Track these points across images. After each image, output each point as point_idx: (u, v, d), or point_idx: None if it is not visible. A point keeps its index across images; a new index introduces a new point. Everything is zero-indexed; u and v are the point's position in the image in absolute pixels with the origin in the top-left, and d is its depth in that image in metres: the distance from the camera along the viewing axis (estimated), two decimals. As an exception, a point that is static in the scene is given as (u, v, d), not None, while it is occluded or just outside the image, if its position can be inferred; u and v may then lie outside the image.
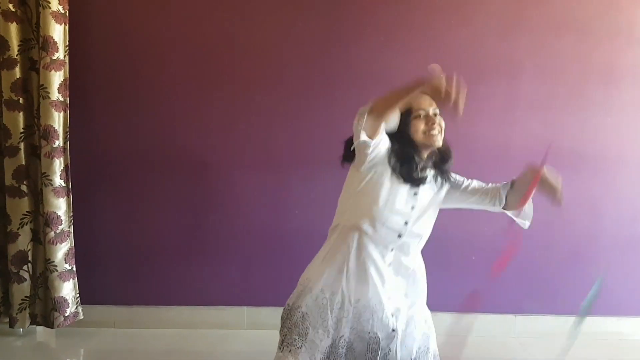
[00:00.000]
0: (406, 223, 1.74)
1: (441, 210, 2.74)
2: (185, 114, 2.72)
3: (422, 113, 1.73)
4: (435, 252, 2.73)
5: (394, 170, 1.71)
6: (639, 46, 2.70)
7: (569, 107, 2.72)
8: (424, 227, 1.81)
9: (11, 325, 2.60)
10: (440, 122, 1.74)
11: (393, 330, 1.71)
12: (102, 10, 2.66)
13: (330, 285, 1.70)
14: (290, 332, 1.69)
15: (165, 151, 2.72)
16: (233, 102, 2.72)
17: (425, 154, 1.78)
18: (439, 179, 1.84)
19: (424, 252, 2.62)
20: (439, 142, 1.74)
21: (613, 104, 2.73)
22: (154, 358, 2.45)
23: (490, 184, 1.90)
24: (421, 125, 1.73)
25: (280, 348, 1.71)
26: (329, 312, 1.68)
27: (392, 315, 1.72)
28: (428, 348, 1.80)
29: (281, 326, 1.76)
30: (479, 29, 2.69)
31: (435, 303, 2.33)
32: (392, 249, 1.75)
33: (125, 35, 2.68)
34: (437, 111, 1.75)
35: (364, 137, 1.59)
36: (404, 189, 1.73)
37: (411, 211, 1.75)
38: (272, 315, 2.15)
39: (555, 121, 2.73)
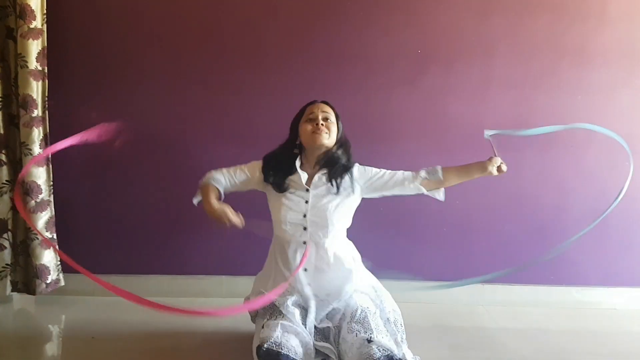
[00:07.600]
0: (304, 215, 1.98)
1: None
2: (165, 86, 2.73)
3: (311, 117, 2.02)
4: (407, 225, 2.84)
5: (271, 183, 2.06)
6: (610, 28, 2.76)
7: (541, 87, 2.80)
8: (328, 217, 1.98)
9: (-9, 293, 2.63)
10: (328, 125, 2.01)
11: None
12: (81, -21, 2.63)
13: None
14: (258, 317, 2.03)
15: (144, 121, 2.73)
16: (212, 78, 2.73)
17: (313, 159, 2.05)
18: (337, 175, 2.03)
19: (398, 223, 2.69)
20: (321, 141, 1.98)
21: (583, 84, 2.80)
22: (133, 326, 2.49)
23: (404, 173, 2.13)
24: (308, 127, 2.01)
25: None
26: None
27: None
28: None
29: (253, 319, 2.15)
30: (456, 9, 2.74)
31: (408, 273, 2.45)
32: (304, 242, 2.00)
33: (104, 4, 2.66)
34: (328, 116, 2.03)
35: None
36: (295, 190, 2.02)
37: (305, 204, 1.99)
38: (249, 284, 2.24)
39: (527, 100, 2.81)
